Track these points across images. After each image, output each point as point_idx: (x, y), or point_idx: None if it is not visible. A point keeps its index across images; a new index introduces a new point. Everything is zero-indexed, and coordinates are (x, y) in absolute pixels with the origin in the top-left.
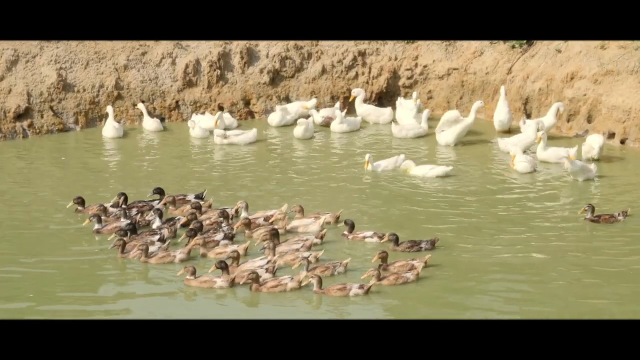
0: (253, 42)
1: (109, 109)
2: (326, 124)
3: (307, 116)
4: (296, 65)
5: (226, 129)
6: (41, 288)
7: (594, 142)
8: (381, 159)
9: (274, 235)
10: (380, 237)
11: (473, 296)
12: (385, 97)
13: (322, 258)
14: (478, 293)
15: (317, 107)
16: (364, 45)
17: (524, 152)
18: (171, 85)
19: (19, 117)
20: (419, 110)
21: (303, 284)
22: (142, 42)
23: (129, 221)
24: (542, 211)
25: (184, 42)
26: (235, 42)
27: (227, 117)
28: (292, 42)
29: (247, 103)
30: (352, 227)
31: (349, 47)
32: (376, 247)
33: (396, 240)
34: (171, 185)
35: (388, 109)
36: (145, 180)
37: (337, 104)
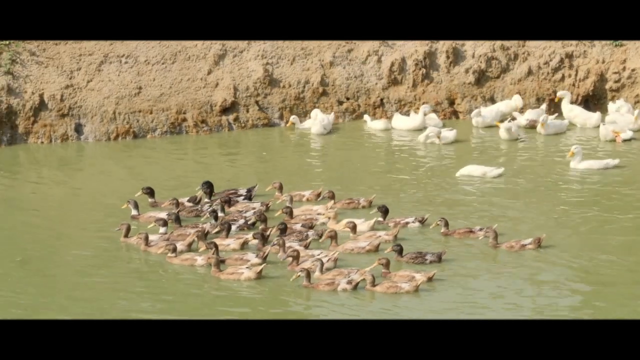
0: (459, 42)
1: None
2: (531, 126)
3: (512, 118)
4: (502, 66)
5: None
6: None
7: None
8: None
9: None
10: (421, 222)
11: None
12: (591, 101)
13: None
14: None
15: (523, 110)
16: (571, 47)
17: None
18: (376, 83)
19: (225, 110)
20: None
21: (292, 279)
22: None
23: (168, 212)
24: None
25: (390, 41)
26: (441, 42)
27: (432, 117)
28: (498, 43)
29: (451, 103)
30: (385, 212)
31: (555, 49)
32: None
33: (400, 251)
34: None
35: (597, 113)
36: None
37: (543, 106)
